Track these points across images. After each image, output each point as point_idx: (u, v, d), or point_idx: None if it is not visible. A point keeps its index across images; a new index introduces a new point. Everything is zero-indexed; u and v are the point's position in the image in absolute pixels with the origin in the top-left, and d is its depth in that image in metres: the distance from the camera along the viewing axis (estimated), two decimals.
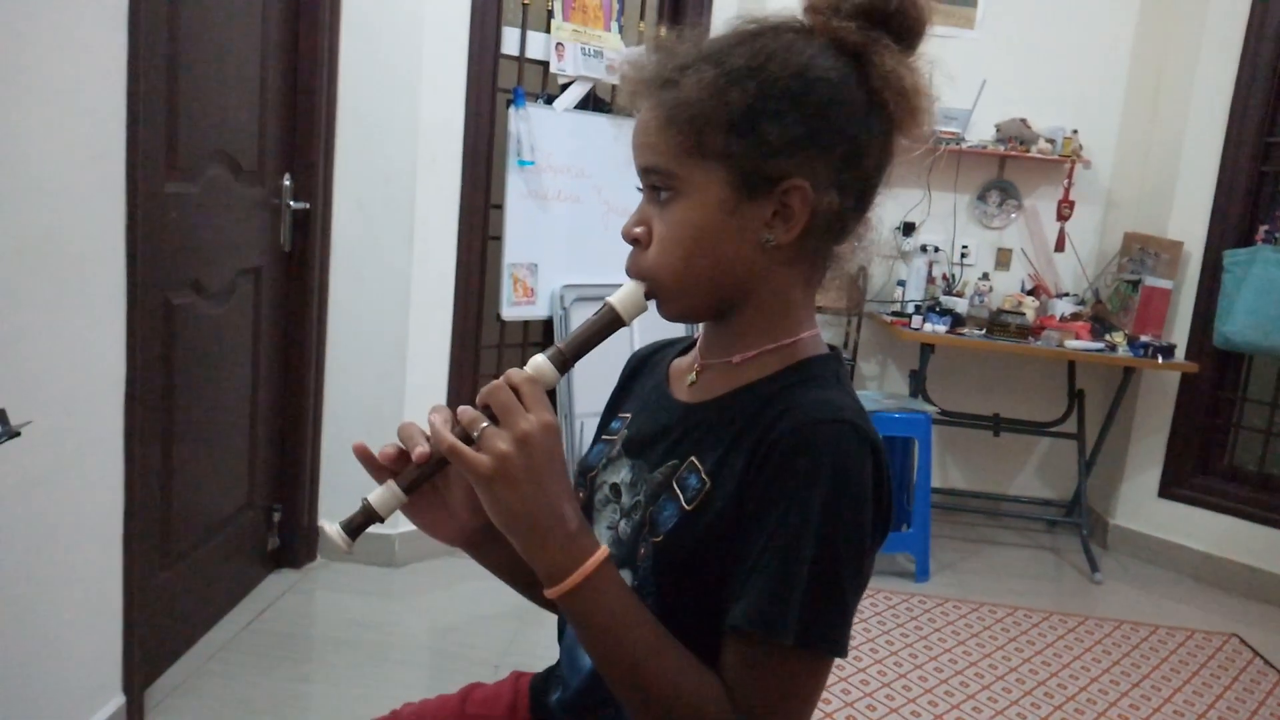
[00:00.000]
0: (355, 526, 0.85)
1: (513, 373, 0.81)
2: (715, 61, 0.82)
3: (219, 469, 2.49)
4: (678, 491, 0.86)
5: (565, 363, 0.85)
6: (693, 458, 0.87)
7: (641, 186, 0.88)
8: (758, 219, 0.83)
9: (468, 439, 0.79)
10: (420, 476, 0.85)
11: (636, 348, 1.09)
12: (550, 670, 1.07)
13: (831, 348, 0.93)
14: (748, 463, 0.81)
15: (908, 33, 0.85)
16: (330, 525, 0.86)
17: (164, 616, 2.20)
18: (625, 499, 0.92)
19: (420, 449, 0.82)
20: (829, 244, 0.88)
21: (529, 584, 0.99)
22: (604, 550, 0.80)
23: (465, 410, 0.80)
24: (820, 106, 0.81)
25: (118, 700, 1.94)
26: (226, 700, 2.20)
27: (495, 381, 0.80)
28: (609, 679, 0.80)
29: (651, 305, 0.88)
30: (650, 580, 0.86)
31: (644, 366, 1.06)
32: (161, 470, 2.14)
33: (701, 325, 0.96)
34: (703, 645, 0.81)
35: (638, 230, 0.87)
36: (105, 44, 1.73)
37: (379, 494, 0.85)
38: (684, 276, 0.85)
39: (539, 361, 0.84)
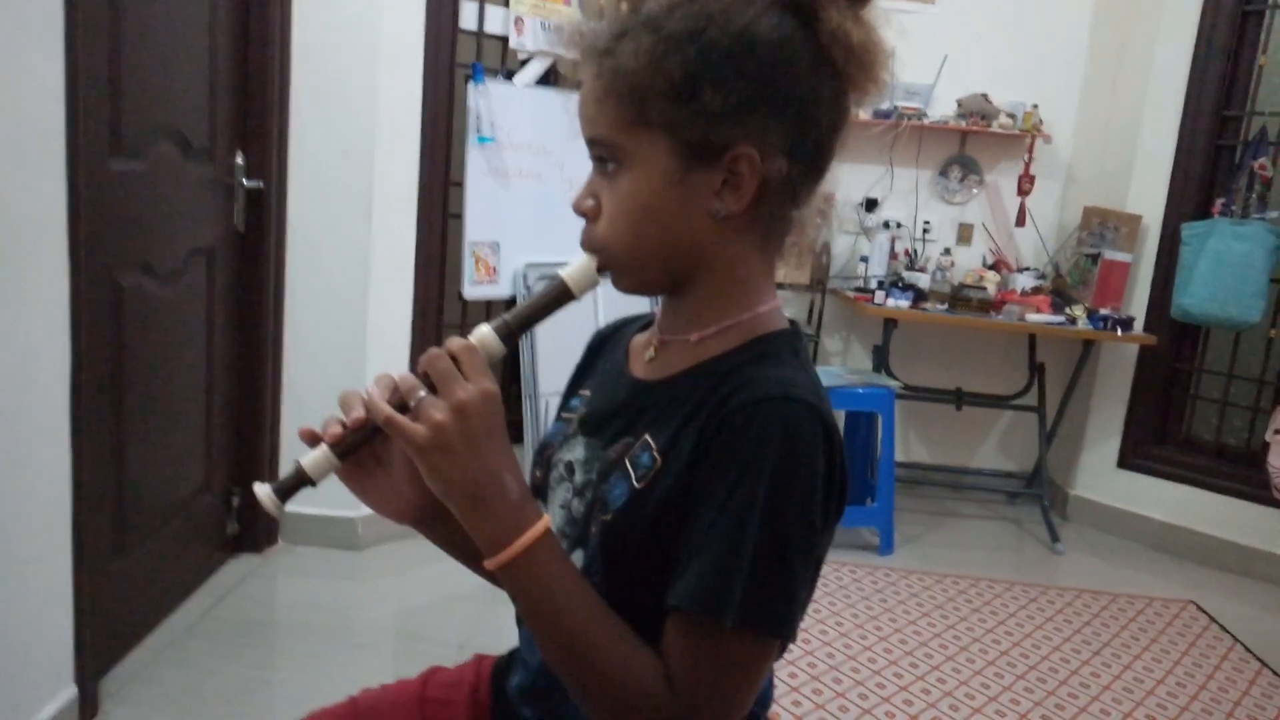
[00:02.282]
0: (286, 489, 0.83)
1: (453, 341, 0.79)
2: (653, 27, 0.79)
3: (174, 454, 2.44)
4: (629, 469, 0.84)
5: (511, 334, 0.83)
6: (646, 435, 0.85)
7: (591, 159, 0.86)
8: (706, 189, 0.81)
9: (405, 408, 0.77)
10: (354, 442, 0.83)
11: (601, 325, 1.07)
12: (512, 653, 1.05)
13: (792, 322, 0.91)
14: (698, 440, 0.79)
15: None
16: (261, 487, 0.83)
17: (118, 605, 2.16)
18: (578, 477, 0.91)
19: (355, 413, 0.81)
20: (784, 210, 0.86)
21: (479, 560, 0.98)
22: (545, 521, 0.78)
23: (405, 378, 0.78)
24: (765, 69, 0.78)
25: (69, 691, 1.90)
26: (185, 689, 2.16)
27: (434, 349, 0.78)
28: (546, 655, 0.79)
29: (606, 280, 0.86)
30: (599, 558, 0.84)
31: (606, 344, 1.04)
32: (113, 456, 2.09)
33: (660, 300, 0.94)
34: (649, 627, 0.79)
35: (587, 203, 0.85)
36: (41, 16, 1.67)
37: (312, 456, 0.83)
38: (634, 249, 0.83)
39: (483, 331, 0.82)
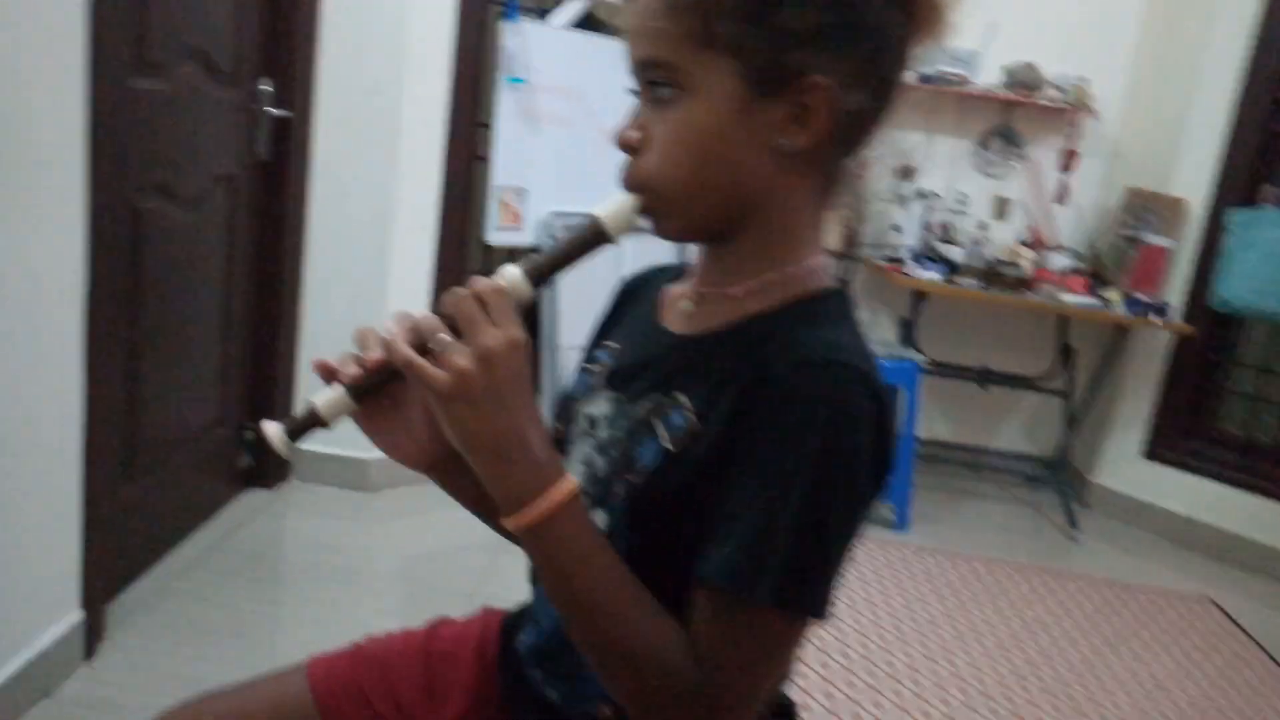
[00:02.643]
0: (297, 429, 0.78)
1: (480, 282, 0.72)
2: None
3: (189, 383, 2.40)
4: (660, 429, 0.79)
5: (540, 276, 0.77)
6: (679, 394, 0.79)
7: (637, 86, 0.79)
8: (772, 121, 0.74)
9: (425, 350, 0.71)
10: (371, 384, 0.78)
11: (628, 275, 1.01)
12: (523, 609, 1.01)
13: (841, 281, 0.84)
14: (737, 402, 0.74)
15: None
16: (270, 425, 0.78)
17: (127, 531, 2.14)
18: (603, 433, 0.85)
19: (373, 353, 0.76)
20: (846, 153, 0.80)
21: (496, 516, 0.93)
22: (572, 482, 0.73)
23: (427, 319, 0.72)
24: None
25: (75, 615, 1.89)
26: (190, 619, 2.15)
27: (459, 290, 0.72)
28: (566, 622, 0.74)
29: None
30: (623, 522, 0.79)
31: (634, 294, 0.98)
32: (126, 379, 2.05)
33: (698, 250, 0.87)
34: (674, 596, 0.74)
35: (633, 136, 0.77)
36: None
37: (326, 396, 0.78)
38: (687, 186, 0.76)
39: (511, 272, 0.76)
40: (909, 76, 0.80)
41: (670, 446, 0.77)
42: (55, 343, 1.75)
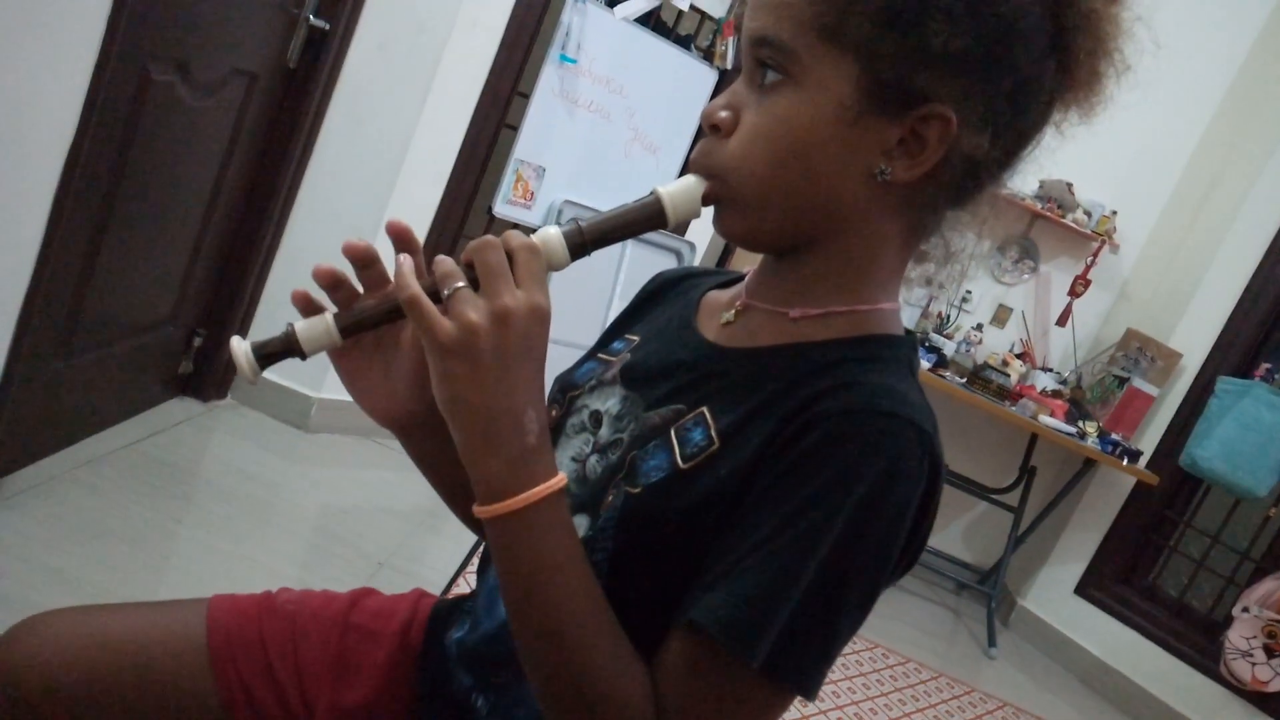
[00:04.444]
0: (269, 354, 0.69)
1: (513, 236, 0.64)
2: None
3: (150, 272, 2.27)
4: (674, 442, 0.70)
5: (583, 245, 0.68)
6: (704, 408, 0.70)
7: (741, 63, 0.70)
8: (879, 141, 0.66)
9: (436, 296, 0.62)
10: (363, 319, 0.69)
11: (620, 284, 0.92)
12: (459, 601, 0.90)
13: (909, 332, 0.76)
14: (774, 435, 0.65)
15: None
16: (240, 344, 0.68)
17: (45, 407, 1.99)
18: (604, 432, 0.76)
19: (369, 272, 0.69)
20: (949, 200, 0.72)
21: (457, 494, 0.83)
22: (561, 479, 0.64)
23: (443, 261, 0.63)
24: (1002, 25, 0.64)
25: None
26: (83, 514, 2.00)
27: (489, 238, 0.63)
28: (517, 633, 0.65)
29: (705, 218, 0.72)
30: (609, 534, 0.70)
31: (669, 290, 0.89)
32: (85, 252, 1.92)
33: (758, 260, 0.79)
34: (645, 629, 0.65)
35: (722, 114, 0.69)
36: None
37: (309, 324, 0.69)
38: (765, 185, 0.68)
39: (550, 233, 0.67)
40: (1043, 142, 0.73)
41: (682, 464, 0.68)
42: (23, 188, 1.62)
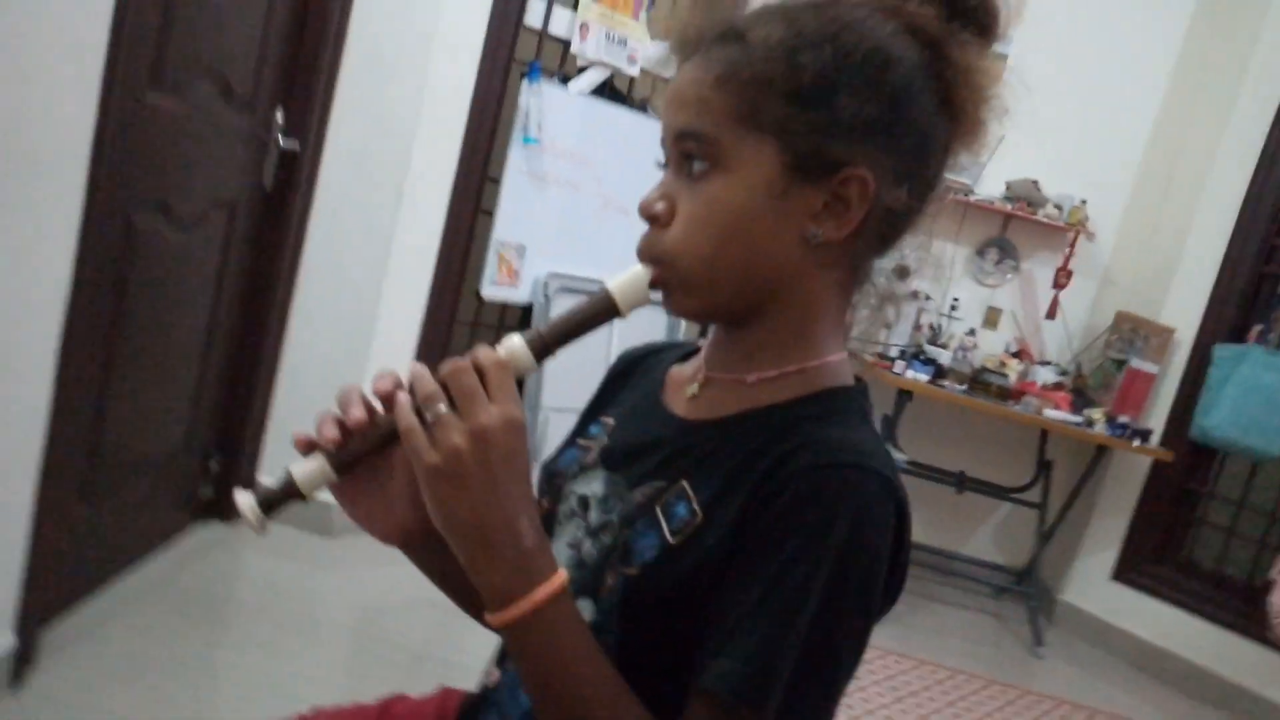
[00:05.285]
0: (272, 502, 0.73)
1: (481, 352, 0.69)
2: (785, 20, 0.71)
3: (159, 406, 2.33)
4: (661, 519, 0.74)
5: (545, 349, 0.73)
6: (683, 482, 0.75)
7: (668, 156, 0.76)
8: (807, 208, 0.72)
9: (420, 417, 0.67)
10: (356, 454, 0.73)
11: (615, 345, 0.97)
12: (485, 695, 0.94)
13: (858, 379, 0.82)
14: (750, 499, 0.70)
15: (986, 29, 0.76)
16: (244, 497, 0.72)
17: (75, 553, 2.04)
18: (594, 516, 0.80)
19: (357, 414, 0.71)
20: (876, 251, 0.78)
21: (470, 600, 0.87)
22: (562, 576, 0.68)
23: (423, 382, 0.68)
24: (897, 90, 0.71)
25: (6, 639, 1.79)
26: (130, 654, 2.04)
27: (458, 361, 0.68)
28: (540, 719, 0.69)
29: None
30: (615, 616, 0.74)
31: (635, 369, 0.94)
32: (95, 397, 1.98)
33: (711, 330, 0.84)
34: (662, 698, 0.70)
35: (659, 206, 0.74)
36: None
37: (305, 468, 0.72)
38: (709, 264, 0.73)
39: (514, 344, 0.71)
40: (944, 184, 0.79)
41: (671, 539, 0.73)
42: (30, 346, 1.69)
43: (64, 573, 2.00)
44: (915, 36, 0.73)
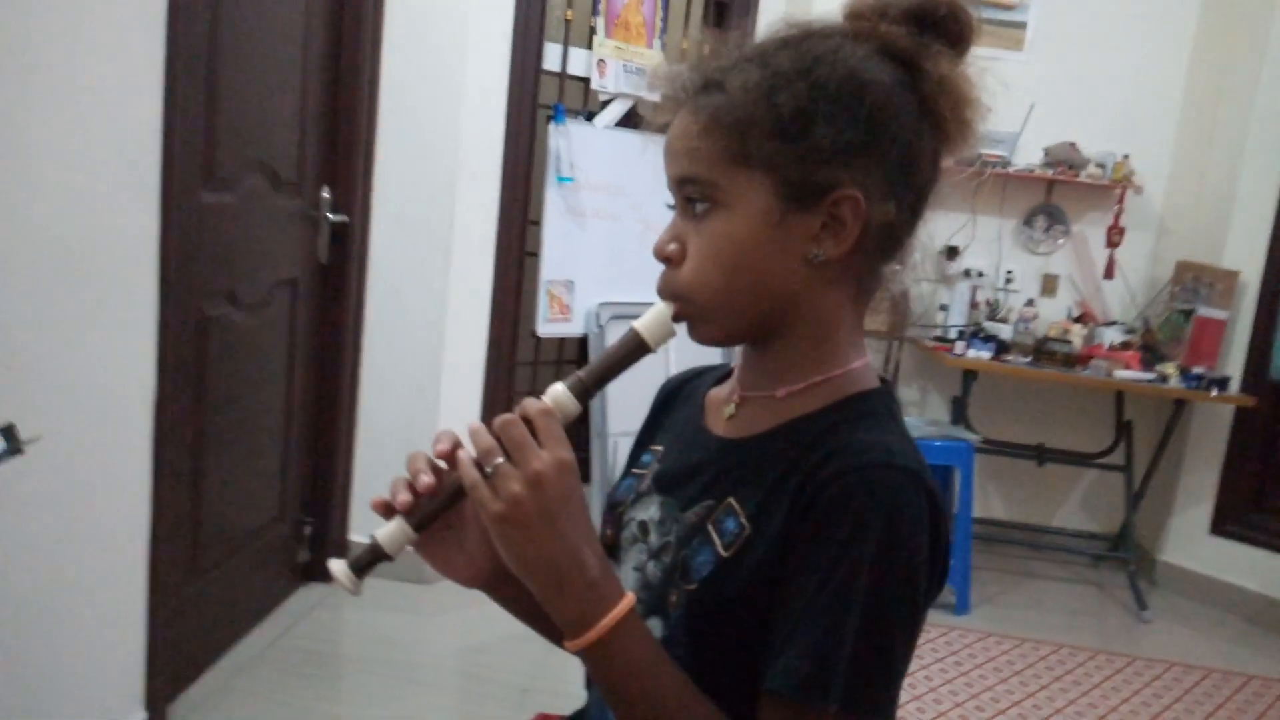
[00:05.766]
0: (363, 565, 0.80)
1: (528, 403, 0.75)
2: (760, 63, 0.77)
3: (250, 480, 2.47)
4: (714, 535, 0.80)
5: (586, 392, 0.79)
6: (730, 499, 0.81)
7: (674, 201, 0.82)
8: (805, 232, 0.77)
9: (479, 470, 0.74)
10: (431, 513, 0.80)
11: (672, 366, 1.03)
12: (577, 716, 1.01)
13: (883, 380, 0.86)
14: (791, 508, 0.75)
15: (958, 38, 0.80)
16: (337, 564, 0.80)
17: (190, 630, 2.18)
18: (654, 539, 0.86)
19: (425, 479, 0.77)
20: (878, 261, 0.82)
21: (554, 631, 0.94)
22: (629, 599, 0.74)
23: (480, 438, 0.74)
24: (874, 111, 0.76)
25: (139, 717, 1.91)
26: (251, 718, 2.16)
27: (507, 415, 0.74)
28: None
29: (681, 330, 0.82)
30: (682, 630, 0.80)
31: (677, 396, 1.00)
32: (191, 480, 2.12)
33: (739, 352, 0.90)
34: (737, 703, 0.75)
35: (671, 248, 0.81)
36: (143, 53, 1.73)
37: (387, 531, 0.80)
38: (723, 295, 0.79)
39: (557, 391, 0.78)
40: (941, 184, 0.83)
41: (724, 553, 0.78)
42: (128, 445, 1.82)
43: (182, 649, 2.13)
44: (889, 56, 0.78)
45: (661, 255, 0.82)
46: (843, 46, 0.77)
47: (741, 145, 0.76)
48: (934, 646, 2.96)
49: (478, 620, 2.78)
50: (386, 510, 0.80)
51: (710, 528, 0.80)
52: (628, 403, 3.08)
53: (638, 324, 0.81)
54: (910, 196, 0.79)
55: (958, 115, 0.79)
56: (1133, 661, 3.01)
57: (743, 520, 0.79)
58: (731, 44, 0.81)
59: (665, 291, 0.82)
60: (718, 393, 0.93)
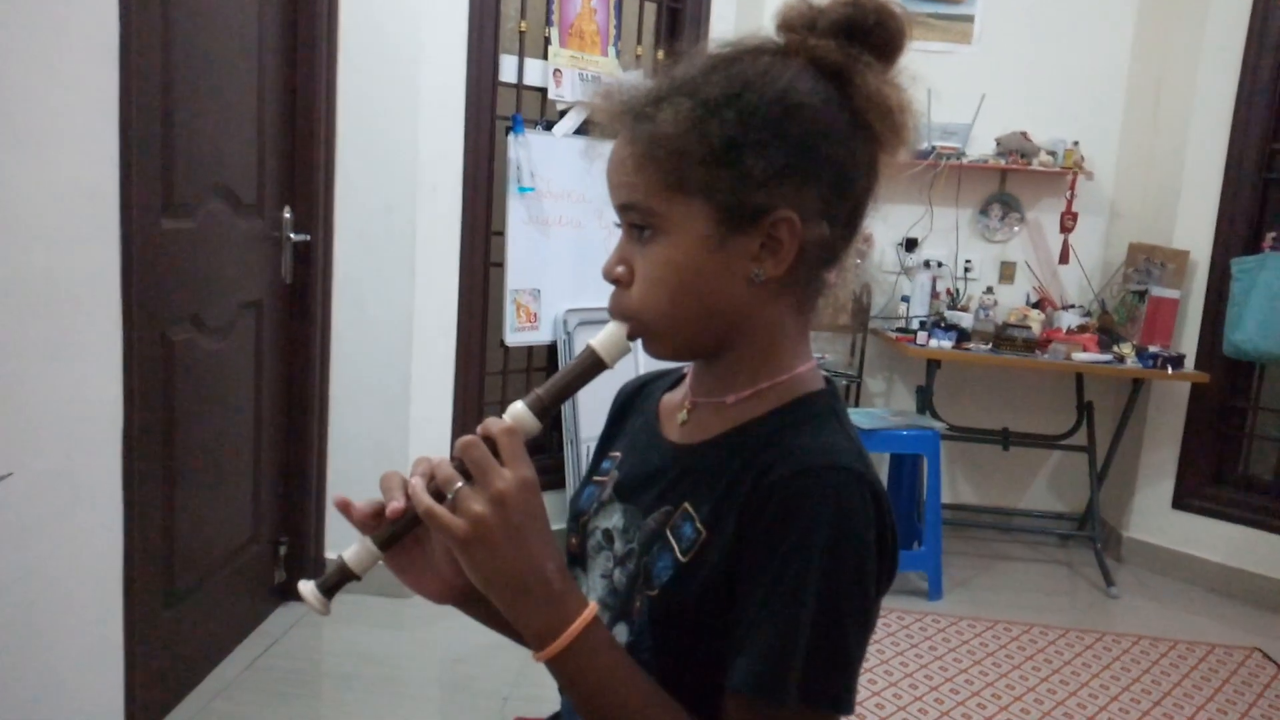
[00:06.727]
0: (331, 586, 0.82)
1: (489, 423, 0.77)
2: (690, 92, 0.78)
3: (223, 504, 2.47)
4: (672, 541, 0.83)
5: (545, 410, 0.81)
6: (686, 504, 0.83)
7: (620, 224, 0.85)
8: (744, 253, 0.79)
9: (442, 496, 0.75)
10: (395, 533, 0.81)
11: (642, 370, 1.06)
12: (554, 719, 1.04)
13: (828, 380, 0.90)
14: (743, 512, 0.78)
15: (887, 47, 0.81)
16: (306, 585, 0.82)
17: (168, 655, 2.18)
18: (618, 546, 0.89)
19: (394, 504, 0.79)
20: (819, 272, 0.85)
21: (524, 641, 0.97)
22: (592, 609, 0.76)
23: (442, 467, 0.76)
24: (804, 134, 0.78)
25: None
26: None
27: (469, 436, 0.76)
28: None
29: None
30: (647, 635, 0.83)
31: (633, 402, 1.03)
32: (163, 507, 2.12)
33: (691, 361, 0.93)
34: (704, 703, 0.78)
35: (619, 270, 0.83)
36: (96, 82, 1.73)
37: (354, 551, 0.82)
38: (670, 316, 0.81)
39: (517, 410, 0.80)
40: (879, 191, 0.86)
41: (683, 558, 0.81)
42: (97, 476, 1.82)
43: (162, 675, 2.14)
44: (819, 70, 0.79)
45: (610, 277, 0.84)
46: (772, 67, 0.79)
47: (677, 174, 0.78)
48: (909, 633, 3.01)
49: (456, 631, 2.79)
50: (347, 509, 0.82)
51: (669, 534, 0.83)
52: (600, 409, 3.10)
53: (594, 342, 0.83)
54: (846, 208, 0.82)
55: (890, 122, 0.80)
56: (1102, 637, 3.08)
57: (699, 525, 0.81)
58: (664, 69, 0.83)
59: (616, 312, 0.84)
60: (671, 398, 0.95)
